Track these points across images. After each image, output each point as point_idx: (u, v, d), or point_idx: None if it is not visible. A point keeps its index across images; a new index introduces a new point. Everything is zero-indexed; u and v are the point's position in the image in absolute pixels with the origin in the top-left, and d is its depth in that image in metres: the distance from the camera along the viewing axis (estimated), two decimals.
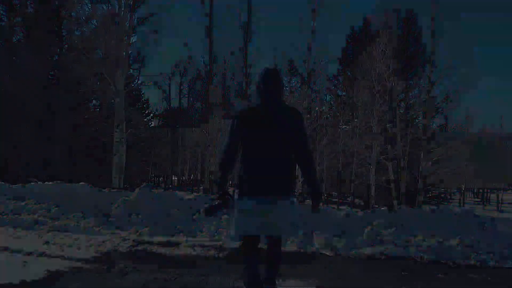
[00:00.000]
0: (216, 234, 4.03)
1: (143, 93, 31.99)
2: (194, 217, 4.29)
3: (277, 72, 2.54)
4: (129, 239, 3.88)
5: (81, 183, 4.88)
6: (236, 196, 2.29)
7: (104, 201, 4.60)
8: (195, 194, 4.46)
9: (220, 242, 3.84)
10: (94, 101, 19.89)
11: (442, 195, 30.64)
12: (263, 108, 2.32)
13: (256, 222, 2.22)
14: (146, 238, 3.92)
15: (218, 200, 2.29)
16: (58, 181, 4.93)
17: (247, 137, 2.30)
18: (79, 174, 17.23)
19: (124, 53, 11.14)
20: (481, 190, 50.49)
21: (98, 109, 20.72)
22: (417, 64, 24.77)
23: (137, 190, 4.53)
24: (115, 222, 4.27)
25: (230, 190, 2.39)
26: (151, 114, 35.86)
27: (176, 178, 43.05)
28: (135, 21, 11.34)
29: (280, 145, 2.29)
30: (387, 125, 15.45)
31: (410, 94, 24.85)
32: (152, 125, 35.08)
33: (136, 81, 20.94)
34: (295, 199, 2.39)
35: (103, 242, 3.73)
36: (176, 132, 36.39)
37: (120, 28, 10.95)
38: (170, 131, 37.33)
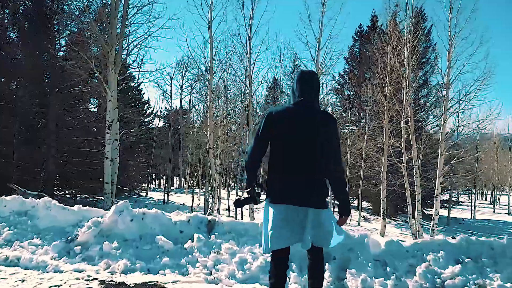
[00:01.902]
0: (214, 270, 2.99)
1: (143, 93, 31.19)
2: (185, 246, 3.25)
3: (313, 74, 2.41)
4: (95, 279, 2.85)
5: (44, 198, 3.86)
6: (264, 201, 2.26)
7: (69, 222, 3.57)
8: (188, 214, 3.39)
9: (220, 285, 2.81)
10: (90, 101, 18.97)
11: (454, 199, 29.51)
12: (296, 110, 2.26)
13: (288, 232, 2.14)
14: (118, 278, 2.89)
15: (248, 195, 2.33)
16: (17, 196, 3.91)
17: (278, 139, 2.24)
18: (73, 178, 16.34)
19: (117, 46, 10.14)
20: (489, 192, 49.27)
21: (96, 109, 19.80)
22: (426, 62, 23.78)
23: (112, 208, 3.49)
24: (81, 252, 3.23)
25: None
26: (152, 115, 35.17)
27: (177, 179, 42.27)
28: (128, 10, 10.31)
29: (313, 149, 2.20)
30: (402, 126, 14.35)
31: (419, 94, 23.83)
32: (153, 125, 34.32)
33: (136, 79, 20.01)
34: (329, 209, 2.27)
35: (58, 285, 2.71)
36: (177, 132, 35.70)
37: (112, 18, 9.97)
38: (171, 131, 36.66)
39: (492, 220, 29.75)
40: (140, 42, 10.65)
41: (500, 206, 42.76)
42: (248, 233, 3.25)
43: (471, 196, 32.99)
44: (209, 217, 3.38)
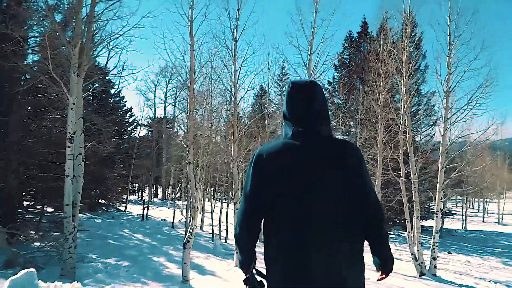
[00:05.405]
0: None
1: (126, 101, 29.66)
2: None
3: (312, 86, 1.57)
4: None
5: None
6: None
7: None
8: None
9: None
10: (63, 108, 17.40)
11: (446, 210, 28.76)
12: (297, 146, 1.47)
13: None
14: None
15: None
16: None
17: (276, 196, 1.44)
18: (38, 195, 14.73)
19: (81, 44, 8.78)
20: (476, 200, 49.08)
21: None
22: (417, 70, 23.17)
23: (8, 282, 2.15)
24: None
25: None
26: (135, 123, 33.78)
27: (161, 190, 40.68)
28: (96, 5, 8.96)
29: (336, 203, 1.45)
30: (400, 136, 13.32)
31: (411, 103, 23.12)
32: (135, 134, 32.86)
33: (115, 85, 18.58)
34: None
35: None
36: (161, 142, 34.34)
37: (76, 13, 8.63)
38: (154, 141, 35.30)
39: (484, 231, 29.27)
40: (110, 42, 9.34)
41: (488, 214, 42.73)
42: None
43: (462, 207, 32.39)
44: None
